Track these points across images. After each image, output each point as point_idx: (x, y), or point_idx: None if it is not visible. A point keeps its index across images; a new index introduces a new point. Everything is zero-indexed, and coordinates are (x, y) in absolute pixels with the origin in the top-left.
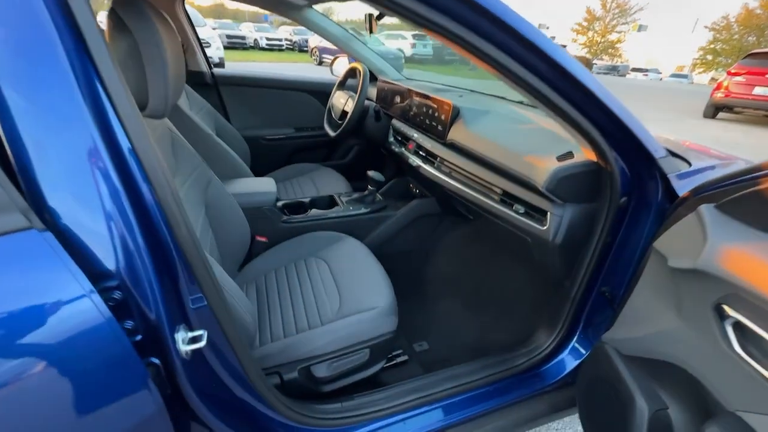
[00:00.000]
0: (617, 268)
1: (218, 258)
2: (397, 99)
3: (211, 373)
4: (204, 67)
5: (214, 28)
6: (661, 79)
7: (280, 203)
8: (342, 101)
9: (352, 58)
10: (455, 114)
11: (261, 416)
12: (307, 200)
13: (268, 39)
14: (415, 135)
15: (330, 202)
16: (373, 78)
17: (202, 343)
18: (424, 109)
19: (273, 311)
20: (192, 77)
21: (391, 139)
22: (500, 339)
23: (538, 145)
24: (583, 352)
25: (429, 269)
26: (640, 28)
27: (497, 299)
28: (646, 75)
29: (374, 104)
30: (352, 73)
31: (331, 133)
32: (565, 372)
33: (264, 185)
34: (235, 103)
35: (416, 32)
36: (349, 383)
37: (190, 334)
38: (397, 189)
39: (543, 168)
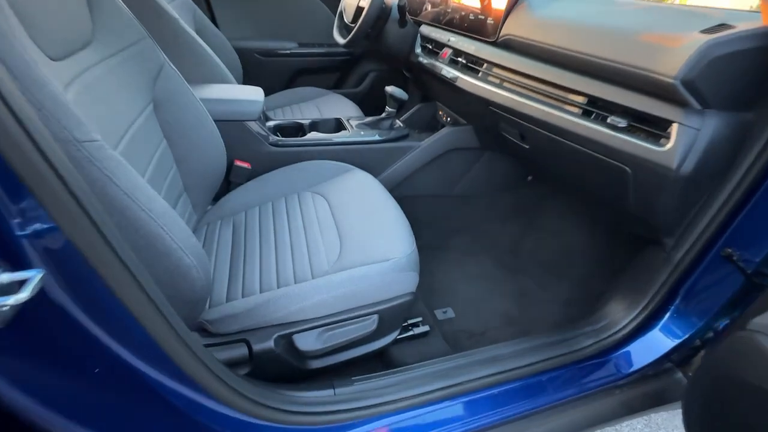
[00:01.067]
0: (761, 221)
1: (177, 180)
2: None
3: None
4: None
5: None
6: None
7: (270, 123)
8: None
9: None
10: None
11: (188, 411)
12: (306, 122)
13: None
14: (452, 39)
15: (336, 125)
16: None
17: (23, 295)
18: (469, 0)
19: (249, 258)
20: None
21: (418, 49)
22: (554, 312)
23: (660, 22)
24: (680, 334)
25: (459, 218)
26: None
27: (552, 260)
28: None
29: (399, 1)
30: None
31: (341, 40)
32: (651, 360)
33: (247, 91)
34: (225, 4)
35: None
36: (346, 360)
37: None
38: (422, 116)
39: (676, 48)
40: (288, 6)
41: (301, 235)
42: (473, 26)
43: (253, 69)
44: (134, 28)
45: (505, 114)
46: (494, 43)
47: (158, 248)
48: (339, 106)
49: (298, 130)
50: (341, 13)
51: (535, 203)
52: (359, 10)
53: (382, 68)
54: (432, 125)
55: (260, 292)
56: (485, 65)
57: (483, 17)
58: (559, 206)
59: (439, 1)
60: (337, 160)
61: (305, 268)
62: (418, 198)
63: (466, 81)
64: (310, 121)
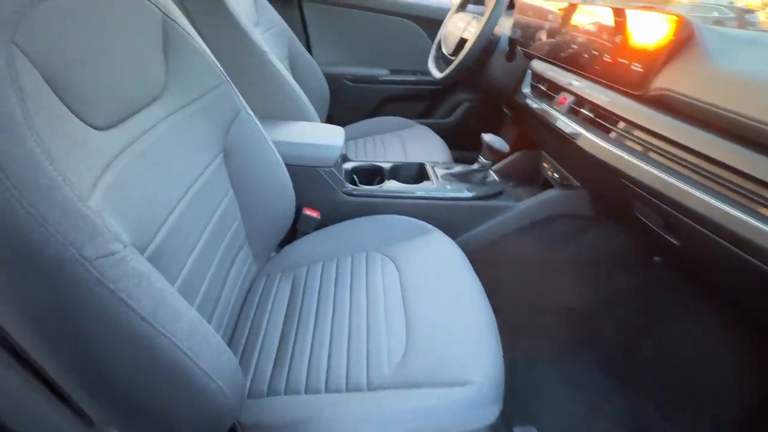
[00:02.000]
0: None
1: (240, 232)
2: (549, 26)
3: None
4: None
5: None
6: None
7: (348, 165)
8: (460, 26)
9: None
10: (686, 36)
11: None
12: (386, 166)
13: None
14: (576, 83)
15: (419, 172)
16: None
17: None
18: (604, 36)
19: (302, 333)
20: None
21: (527, 89)
22: None
23: None
24: None
25: (555, 295)
26: None
27: (681, 376)
28: None
29: (510, 32)
30: None
31: (437, 74)
32: None
33: (326, 134)
34: (321, 28)
35: None
36: None
37: None
38: (522, 166)
39: None
40: (385, 31)
41: (362, 312)
42: (609, 71)
43: (342, 94)
44: (213, 73)
45: (646, 194)
46: (641, 98)
47: (179, 375)
48: (424, 142)
49: (377, 174)
50: (439, 43)
51: (662, 292)
52: (461, 42)
53: (476, 99)
54: (532, 177)
55: (305, 391)
56: (622, 124)
57: (625, 61)
58: (697, 302)
59: (561, 30)
60: (415, 216)
61: (361, 368)
62: (504, 262)
63: (592, 141)
64: (390, 165)
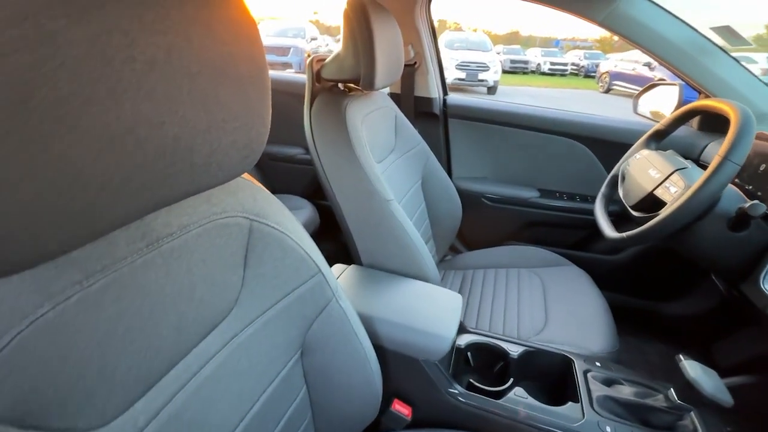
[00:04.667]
0: None
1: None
2: None
3: None
4: (434, 92)
5: (498, 53)
6: None
7: (462, 339)
8: (653, 175)
9: (690, 88)
10: None
11: None
12: (514, 352)
13: (552, 63)
14: None
15: (560, 375)
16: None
17: None
18: None
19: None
20: (418, 104)
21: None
22: None
23: None
24: None
25: None
26: None
27: None
28: None
29: (748, 208)
30: (685, 117)
31: (609, 232)
32: None
33: (439, 312)
34: (463, 143)
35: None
36: None
37: None
38: (751, 404)
39: None
40: (540, 146)
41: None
42: None
43: (478, 214)
44: (305, 267)
45: None
46: None
47: None
48: (573, 294)
49: (499, 359)
50: (614, 181)
51: None
52: (652, 199)
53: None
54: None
55: None
56: None
57: None
58: None
59: None
60: None
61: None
62: None
63: None
64: (521, 352)
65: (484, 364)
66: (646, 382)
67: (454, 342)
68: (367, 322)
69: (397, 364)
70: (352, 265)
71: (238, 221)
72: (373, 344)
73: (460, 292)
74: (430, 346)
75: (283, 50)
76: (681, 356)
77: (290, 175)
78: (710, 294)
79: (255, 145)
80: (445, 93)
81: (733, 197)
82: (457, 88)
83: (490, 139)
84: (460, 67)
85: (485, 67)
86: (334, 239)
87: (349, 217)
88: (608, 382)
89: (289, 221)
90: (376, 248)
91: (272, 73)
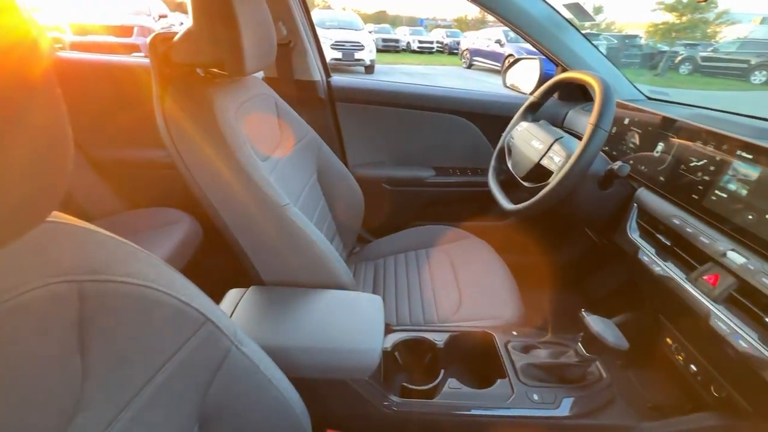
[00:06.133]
0: None
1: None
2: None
3: None
4: (316, 75)
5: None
6: None
7: (388, 341)
8: (537, 146)
9: (548, 61)
10: None
11: None
12: (439, 342)
13: (420, 42)
14: (737, 259)
15: (484, 351)
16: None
17: None
18: None
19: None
20: (300, 89)
21: (635, 234)
22: None
23: None
24: None
25: None
26: None
27: None
28: None
29: (617, 167)
30: (554, 89)
31: (506, 204)
32: None
33: (362, 322)
34: (354, 128)
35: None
36: None
37: None
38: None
39: None
40: (426, 124)
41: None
42: None
43: (379, 202)
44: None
45: None
46: None
47: None
48: (479, 265)
49: (427, 351)
50: (502, 154)
51: None
52: (539, 169)
53: None
54: (647, 352)
55: None
56: None
57: None
58: None
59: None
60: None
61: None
62: None
63: None
64: (446, 338)
65: (413, 359)
66: (556, 340)
67: (381, 353)
68: (282, 356)
69: (324, 391)
70: (252, 288)
71: (53, 290)
72: (293, 379)
73: (374, 285)
74: (358, 363)
75: (125, 30)
76: (584, 313)
77: (156, 183)
78: (582, 242)
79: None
80: (328, 75)
81: (600, 160)
82: (335, 68)
83: (381, 121)
84: (336, 46)
85: (360, 47)
86: (225, 253)
87: (238, 231)
88: (526, 349)
89: (150, 266)
90: (277, 263)
91: (119, 57)
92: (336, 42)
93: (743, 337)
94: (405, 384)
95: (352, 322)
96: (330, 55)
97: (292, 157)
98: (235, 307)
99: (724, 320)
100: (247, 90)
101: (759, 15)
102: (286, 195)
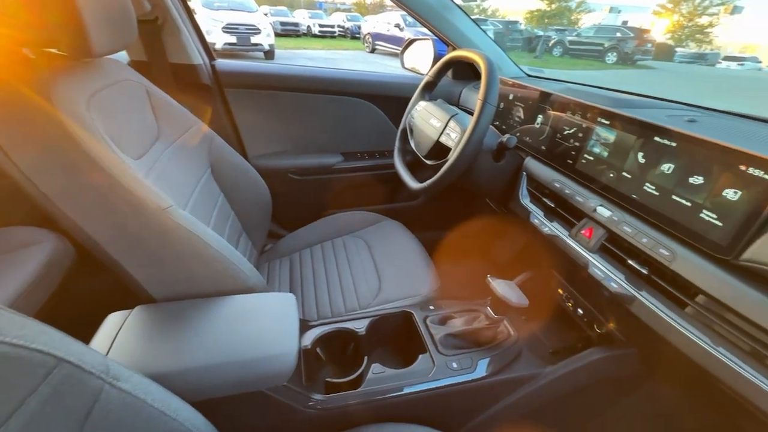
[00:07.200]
0: None
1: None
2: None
3: None
4: (197, 58)
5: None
6: (760, 69)
7: (307, 338)
8: (435, 125)
9: (440, 42)
10: None
11: None
12: (360, 329)
13: (321, 26)
14: (604, 212)
15: (406, 330)
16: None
17: None
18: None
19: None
20: (178, 73)
21: (526, 199)
22: None
23: None
24: None
25: None
26: (735, 10)
27: None
28: (742, 64)
29: (506, 139)
30: (446, 68)
31: (412, 184)
32: None
33: (273, 335)
34: (250, 116)
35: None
36: None
37: None
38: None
39: None
40: (328, 109)
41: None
42: (673, 214)
43: (287, 194)
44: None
45: (761, 416)
46: (726, 264)
47: None
48: (395, 246)
49: (349, 340)
50: (405, 135)
51: None
52: (439, 147)
53: None
54: (542, 304)
55: None
56: (702, 299)
57: (692, 203)
58: None
59: (565, 119)
60: (417, 416)
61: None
62: None
63: (658, 316)
64: (367, 324)
65: (335, 352)
66: (467, 307)
67: (300, 350)
68: (179, 380)
69: (238, 408)
70: (137, 308)
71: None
72: (197, 403)
73: (290, 281)
74: (272, 371)
75: None
76: (490, 278)
77: (3, 199)
78: (485, 213)
79: None
80: (212, 58)
81: (491, 134)
82: (230, 54)
83: (279, 107)
84: (228, 29)
85: (256, 30)
86: (109, 271)
87: (110, 245)
88: (443, 321)
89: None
90: (166, 275)
91: None
92: (228, 24)
93: (614, 279)
94: (328, 379)
95: (260, 327)
96: (223, 39)
97: (176, 152)
98: (117, 335)
99: (599, 267)
100: (103, 76)
101: (608, 4)
102: (171, 197)
